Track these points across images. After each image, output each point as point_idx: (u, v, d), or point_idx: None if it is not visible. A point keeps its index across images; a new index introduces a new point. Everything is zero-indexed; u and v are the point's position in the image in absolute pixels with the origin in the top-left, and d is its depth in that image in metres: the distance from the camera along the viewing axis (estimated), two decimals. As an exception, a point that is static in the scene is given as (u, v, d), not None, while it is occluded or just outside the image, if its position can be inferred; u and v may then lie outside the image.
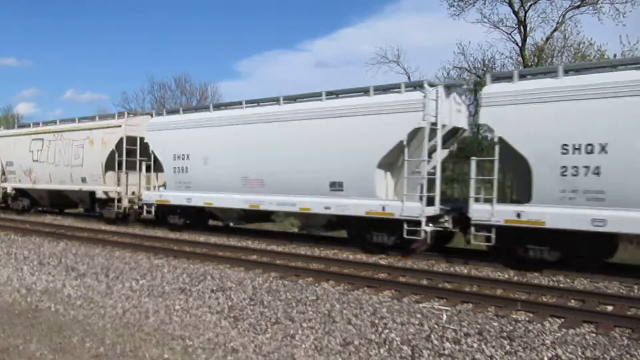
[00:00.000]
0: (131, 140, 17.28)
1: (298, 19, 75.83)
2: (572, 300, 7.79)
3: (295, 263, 10.69)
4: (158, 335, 6.62)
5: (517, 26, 22.40)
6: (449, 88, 11.43)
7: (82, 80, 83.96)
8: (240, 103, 14.33)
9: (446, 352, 5.73)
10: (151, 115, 17.45)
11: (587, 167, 8.92)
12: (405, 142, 10.95)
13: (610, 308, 7.38)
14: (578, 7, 21.34)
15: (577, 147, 8.99)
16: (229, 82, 70.88)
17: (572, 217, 9.08)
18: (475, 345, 5.86)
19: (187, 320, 7.18)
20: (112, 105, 68.24)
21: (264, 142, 13.11)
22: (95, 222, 18.63)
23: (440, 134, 10.95)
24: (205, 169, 14.52)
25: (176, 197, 15.39)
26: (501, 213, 9.84)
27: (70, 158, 18.79)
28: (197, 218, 15.80)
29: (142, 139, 16.70)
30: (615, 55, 19.25)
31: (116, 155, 17.37)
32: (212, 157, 14.38)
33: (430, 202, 10.99)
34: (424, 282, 9.06)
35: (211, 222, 16.56)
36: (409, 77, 25.84)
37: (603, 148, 8.76)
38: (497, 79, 10.40)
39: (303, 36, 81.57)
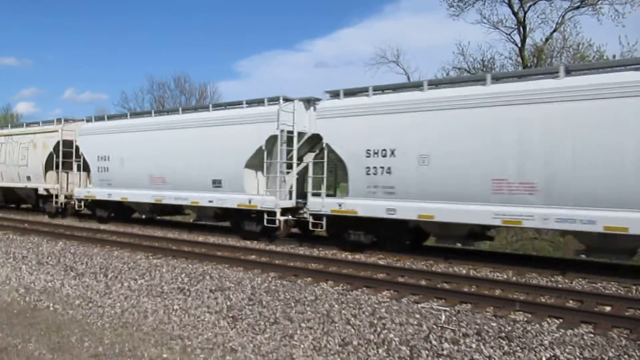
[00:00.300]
0: (67, 143, 19.61)
1: (297, 19, 75.90)
2: (571, 301, 7.81)
3: (294, 263, 10.69)
4: (157, 334, 6.62)
5: (516, 27, 22.43)
6: (308, 102, 13.63)
7: (81, 80, 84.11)
8: (150, 112, 17.51)
9: (445, 352, 5.74)
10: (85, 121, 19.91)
11: (382, 167, 11.31)
12: (264, 147, 13.36)
13: (608, 308, 7.39)
14: (577, 8, 21.37)
15: (376, 151, 11.37)
16: (229, 82, 71.01)
17: (374, 207, 11.48)
18: (473, 345, 5.87)
19: (185, 320, 7.18)
20: (111, 105, 68.36)
21: (166, 145, 15.69)
22: (94, 222, 18.79)
23: (296, 141, 13.13)
24: (122, 169, 17.17)
25: (100, 193, 18.06)
26: (329, 204, 12.27)
27: (18, 159, 21.25)
28: (119, 211, 18.51)
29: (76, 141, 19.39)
30: (614, 56, 19.30)
31: (54, 157, 19.80)
32: (127, 158, 16.99)
33: (290, 196, 13.54)
34: (423, 282, 9.07)
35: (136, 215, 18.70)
36: (408, 78, 25.89)
37: (392, 152, 11.14)
38: (331, 96, 12.51)
39: (302, 36, 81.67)
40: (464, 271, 10.06)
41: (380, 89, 11.85)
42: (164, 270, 10.00)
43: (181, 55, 71.26)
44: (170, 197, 15.67)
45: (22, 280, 9.80)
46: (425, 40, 54.08)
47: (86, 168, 18.94)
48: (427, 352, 5.76)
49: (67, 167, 19.70)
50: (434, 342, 5.98)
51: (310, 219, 12.53)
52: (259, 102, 14.05)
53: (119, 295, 8.47)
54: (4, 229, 16.53)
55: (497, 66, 22.64)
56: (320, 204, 12.37)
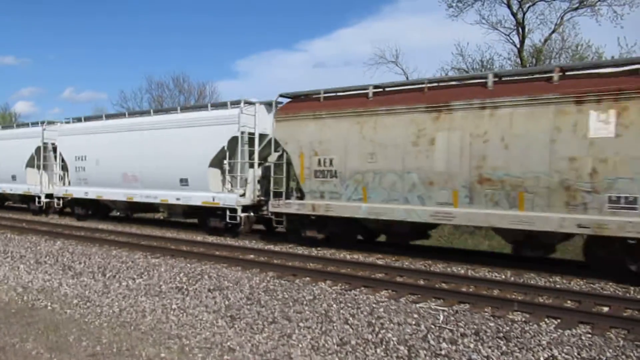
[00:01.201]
0: None
1: (296, 19, 75.88)
2: (569, 301, 7.81)
3: (292, 262, 10.69)
4: (155, 334, 6.61)
5: (515, 27, 22.44)
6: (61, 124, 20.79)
7: (80, 79, 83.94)
8: None
9: (443, 352, 5.74)
10: None
11: (82, 167, 18.75)
12: (34, 154, 21.10)
13: (606, 309, 7.40)
14: (576, 9, 21.40)
15: (79, 157, 18.84)
16: (228, 81, 70.97)
17: (79, 191, 18.89)
18: (471, 345, 5.87)
19: (183, 319, 7.17)
20: (110, 105, 68.24)
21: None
22: (91, 221, 18.81)
23: (59, 150, 19.94)
24: None
25: None
26: (61, 190, 19.77)
27: None
28: None
29: None
30: (612, 57, 19.30)
31: None
32: None
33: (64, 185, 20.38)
34: (421, 282, 9.07)
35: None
36: (407, 78, 25.86)
37: (85, 158, 18.55)
38: (66, 121, 20.54)
39: (301, 36, 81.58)
40: (462, 271, 10.06)
41: (89, 119, 19.67)
42: (162, 269, 9.99)
43: (180, 54, 71.27)
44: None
45: (20, 280, 9.79)
46: (424, 40, 54.08)
47: None
48: (425, 351, 5.76)
49: None
50: (432, 342, 5.98)
51: (55, 200, 19.90)
52: (32, 124, 22.29)
53: (117, 295, 8.46)
54: (2, 228, 16.51)
55: (496, 67, 22.65)
56: (59, 190, 19.84)
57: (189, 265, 10.39)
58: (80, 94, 76.16)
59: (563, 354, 5.56)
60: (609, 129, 8.82)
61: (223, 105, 15.17)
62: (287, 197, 12.95)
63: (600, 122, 8.88)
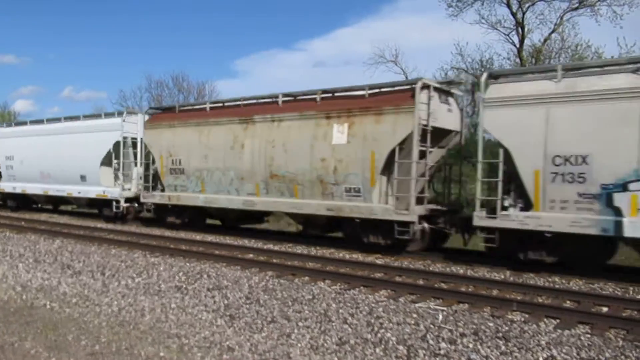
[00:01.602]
0: None
1: (295, 19, 75.75)
2: (568, 301, 7.82)
3: (291, 262, 10.69)
4: (154, 333, 6.60)
5: (515, 27, 22.47)
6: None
7: (80, 78, 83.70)
8: None
9: (442, 352, 5.74)
10: None
11: (11, 166, 21.53)
12: None
13: (605, 309, 7.41)
14: (576, 9, 21.42)
15: (8, 157, 21.49)
16: (227, 80, 70.88)
17: (10, 186, 21.56)
18: (470, 345, 5.88)
19: (183, 318, 7.17)
20: (109, 103, 68.13)
21: None
22: (90, 220, 18.82)
23: None
24: None
25: None
26: None
27: None
28: None
29: None
30: (612, 57, 19.30)
31: None
32: None
33: None
34: (420, 282, 9.07)
35: None
36: (406, 77, 25.89)
37: (13, 158, 21.33)
38: (1, 126, 23.41)
39: (300, 36, 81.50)
40: (462, 271, 10.07)
41: (19, 124, 22.54)
42: (161, 268, 9.98)
43: (179, 54, 71.11)
44: None
45: (19, 279, 9.77)
46: (424, 40, 54.03)
47: None
48: (424, 351, 5.76)
49: None
50: (431, 342, 5.98)
51: None
52: None
53: (116, 294, 8.45)
54: (1, 226, 16.49)
55: (495, 66, 22.66)
56: None
57: (188, 264, 10.39)
58: (80, 93, 76.02)
59: (562, 354, 5.57)
60: (343, 137, 11.86)
61: (112, 115, 18.44)
62: (154, 190, 16.17)
63: (339, 133, 11.92)
